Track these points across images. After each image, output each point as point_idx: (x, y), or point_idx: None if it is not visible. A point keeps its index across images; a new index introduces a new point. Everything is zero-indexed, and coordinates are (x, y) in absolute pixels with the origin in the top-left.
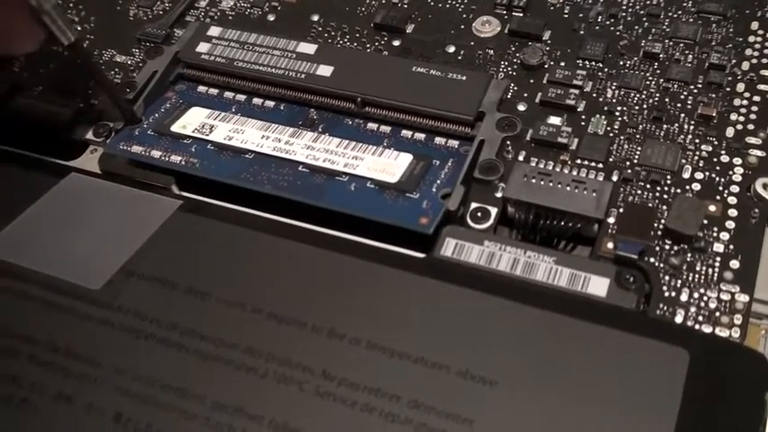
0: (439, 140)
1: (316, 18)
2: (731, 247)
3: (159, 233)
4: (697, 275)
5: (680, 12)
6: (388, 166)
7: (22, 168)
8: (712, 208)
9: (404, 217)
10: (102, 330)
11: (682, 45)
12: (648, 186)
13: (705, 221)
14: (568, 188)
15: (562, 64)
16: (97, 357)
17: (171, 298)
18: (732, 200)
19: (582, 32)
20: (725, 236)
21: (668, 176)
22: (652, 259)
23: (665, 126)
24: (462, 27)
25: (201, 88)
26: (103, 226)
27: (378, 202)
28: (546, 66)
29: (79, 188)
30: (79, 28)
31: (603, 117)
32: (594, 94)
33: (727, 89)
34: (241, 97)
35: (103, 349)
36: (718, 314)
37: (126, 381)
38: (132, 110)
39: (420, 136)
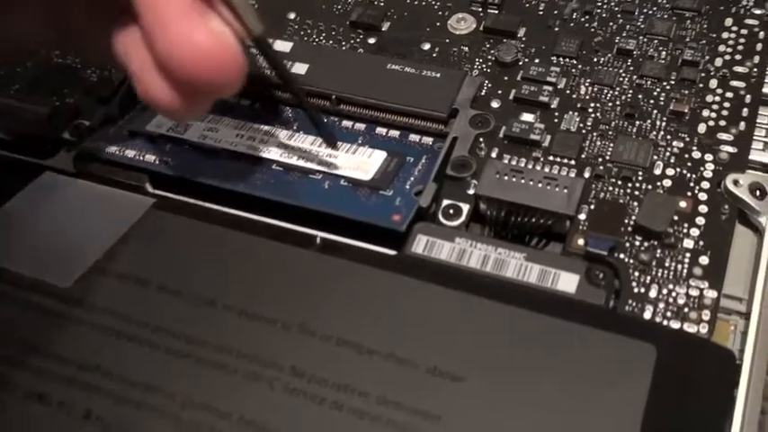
0: (413, 137)
1: (292, 16)
2: (701, 243)
3: (132, 231)
4: (666, 271)
5: (654, 8)
6: (362, 163)
7: None
8: (683, 204)
9: (377, 215)
10: (73, 328)
11: (656, 41)
12: (620, 183)
13: (675, 218)
14: (540, 185)
15: (536, 61)
16: (67, 355)
17: (142, 296)
18: (703, 196)
19: (557, 29)
20: (695, 232)
21: (640, 173)
22: (622, 255)
23: (637, 122)
24: (438, 24)
25: None
26: (76, 224)
27: (351, 199)
28: (520, 63)
29: (53, 186)
30: None
31: (576, 114)
32: (568, 91)
33: (700, 85)
34: None
35: (73, 347)
36: (686, 310)
37: (96, 378)
38: (332, 133)
39: (394, 133)
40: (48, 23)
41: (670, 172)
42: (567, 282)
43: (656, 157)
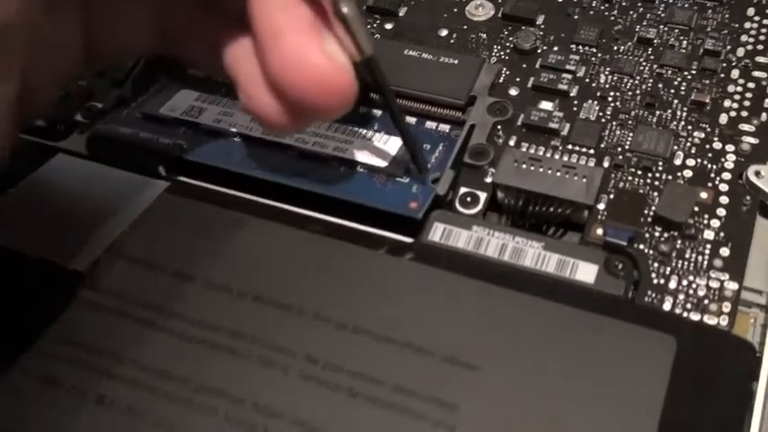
0: (430, 124)
1: None
2: (721, 234)
3: (146, 215)
4: (686, 263)
5: None
6: (379, 150)
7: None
8: (703, 195)
9: (393, 202)
10: (87, 312)
11: (677, 31)
12: (640, 173)
13: (696, 209)
14: (558, 174)
15: (555, 49)
16: (80, 339)
17: (156, 280)
18: (724, 187)
19: (576, 17)
20: (715, 223)
21: (660, 163)
22: (641, 246)
23: (657, 112)
24: (455, 10)
25: (191, 70)
26: (89, 206)
27: (367, 186)
28: (539, 50)
29: (66, 169)
30: None
31: (596, 102)
32: (587, 80)
33: (722, 75)
34: (230, 80)
35: (87, 331)
36: (706, 302)
37: (109, 363)
38: (425, 162)
39: (411, 120)
40: (154, 29)
41: (691, 162)
42: (586, 272)
43: (676, 148)
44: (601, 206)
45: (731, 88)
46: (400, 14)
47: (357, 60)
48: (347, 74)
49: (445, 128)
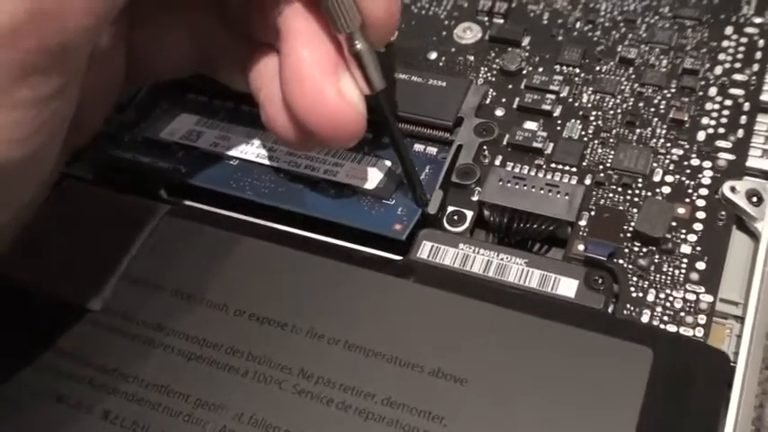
0: (418, 147)
1: None
2: (698, 248)
3: (147, 237)
4: (664, 276)
5: (657, 17)
6: (367, 172)
7: None
8: (681, 210)
9: (379, 224)
10: (91, 331)
11: (657, 50)
12: (620, 189)
13: (674, 224)
14: (542, 192)
15: (540, 69)
16: (86, 357)
17: (157, 300)
18: (701, 202)
19: (560, 38)
20: (692, 238)
21: (639, 180)
22: (621, 261)
23: (638, 130)
24: (444, 34)
25: (191, 95)
26: (96, 233)
27: (355, 209)
28: (524, 71)
29: (71, 193)
30: None
31: (578, 122)
32: (570, 99)
33: (700, 93)
34: (230, 104)
35: (92, 349)
36: (682, 314)
37: (114, 380)
38: (425, 196)
39: None
40: (191, 51)
41: (669, 179)
42: (567, 286)
43: (655, 165)
44: (582, 222)
45: (709, 106)
46: (391, 38)
47: (368, 93)
48: (357, 113)
49: (432, 150)
